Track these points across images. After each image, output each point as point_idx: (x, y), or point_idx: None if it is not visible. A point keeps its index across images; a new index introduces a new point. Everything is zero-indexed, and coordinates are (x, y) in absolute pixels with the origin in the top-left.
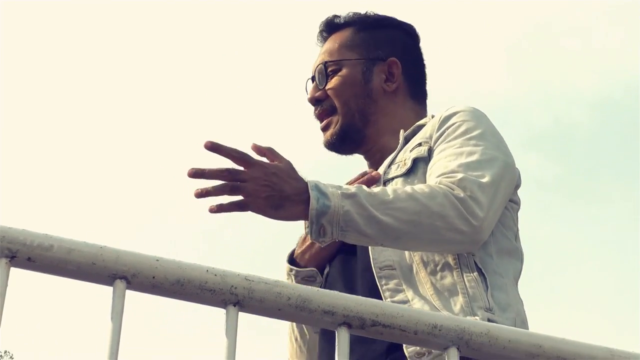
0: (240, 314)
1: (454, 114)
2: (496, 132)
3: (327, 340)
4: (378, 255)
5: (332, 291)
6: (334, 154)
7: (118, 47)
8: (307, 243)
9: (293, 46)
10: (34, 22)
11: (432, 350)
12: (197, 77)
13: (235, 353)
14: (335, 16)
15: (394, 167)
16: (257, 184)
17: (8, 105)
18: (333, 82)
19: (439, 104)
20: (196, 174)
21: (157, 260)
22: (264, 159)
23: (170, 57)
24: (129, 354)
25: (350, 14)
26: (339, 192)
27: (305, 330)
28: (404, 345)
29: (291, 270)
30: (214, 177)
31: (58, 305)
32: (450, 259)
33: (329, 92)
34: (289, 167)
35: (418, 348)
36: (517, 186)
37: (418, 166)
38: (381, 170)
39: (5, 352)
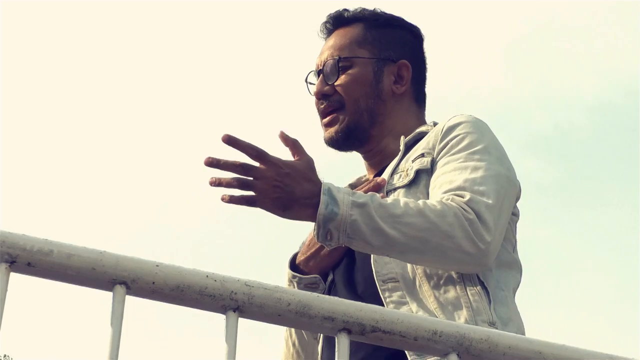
0: (240, 319)
1: (457, 125)
2: (498, 144)
3: (330, 347)
4: (381, 268)
5: (332, 297)
6: (331, 150)
7: (115, 51)
8: (312, 250)
9: (289, 44)
10: (34, 22)
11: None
12: (196, 78)
13: (235, 359)
14: (345, 10)
15: (396, 176)
16: (267, 183)
17: (7, 108)
18: (343, 79)
19: (438, 106)
20: (212, 163)
21: (157, 265)
22: (280, 156)
23: (169, 58)
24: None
25: (359, 9)
26: (350, 199)
27: (305, 335)
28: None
29: (294, 277)
30: (227, 169)
31: (58, 310)
32: (453, 273)
33: (338, 88)
34: (306, 167)
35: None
36: (518, 198)
37: (420, 178)
38: (385, 175)
39: (5, 356)
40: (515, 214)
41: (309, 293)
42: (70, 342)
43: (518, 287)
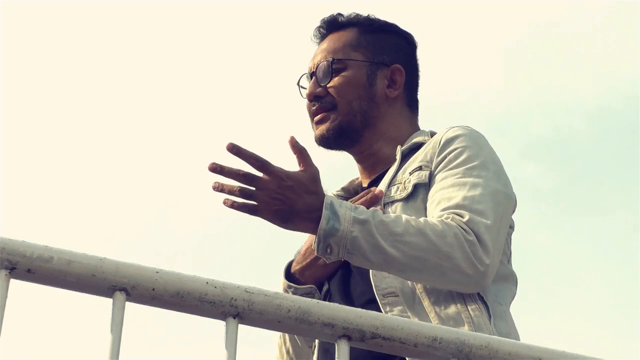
0: (240, 326)
1: (455, 138)
2: (496, 158)
3: (325, 356)
4: (380, 282)
5: (332, 303)
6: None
7: (114, 52)
8: (308, 260)
9: (293, 49)
10: (33, 22)
11: None
12: (196, 81)
13: None
14: (339, 14)
15: (393, 188)
16: (269, 195)
17: (5, 113)
18: (336, 81)
19: (438, 112)
20: (215, 169)
21: (157, 272)
22: (285, 163)
23: (169, 59)
24: None
25: (353, 14)
26: (352, 215)
27: (299, 343)
28: None
29: (289, 287)
30: (231, 177)
31: (58, 316)
32: None
33: (330, 90)
34: (310, 179)
35: None
36: (513, 210)
37: (418, 192)
38: (382, 187)
39: None
40: (511, 227)
41: (309, 299)
42: (70, 348)
43: (513, 299)
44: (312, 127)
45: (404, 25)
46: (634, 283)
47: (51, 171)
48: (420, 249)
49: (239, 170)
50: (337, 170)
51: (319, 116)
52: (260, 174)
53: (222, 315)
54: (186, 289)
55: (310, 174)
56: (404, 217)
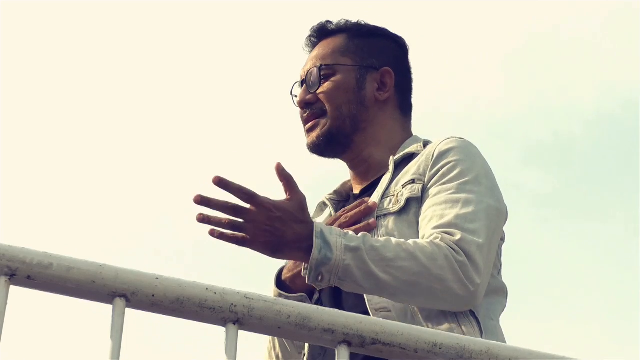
0: (240, 332)
1: (448, 151)
2: (489, 171)
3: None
4: (372, 297)
5: (332, 309)
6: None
7: (114, 53)
8: (299, 268)
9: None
10: (32, 22)
11: None
12: (195, 86)
13: None
14: (328, 22)
15: (386, 201)
16: (258, 228)
17: (5, 118)
18: (326, 87)
19: (438, 118)
20: (202, 202)
21: (157, 278)
22: (268, 197)
23: (169, 60)
24: None
25: (343, 21)
26: (343, 242)
27: (288, 348)
28: None
29: (280, 294)
30: (218, 209)
31: (57, 323)
32: None
33: (320, 96)
34: (297, 208)
35: None
36: (504, 223)
37: (411, 206)
38: (375, 198)
39: None
40: (501, 239)
41: (309, 305)
42: (70, 355)
43: (503, 310)
44: (304, 133)
45: (403, 31)
46: (634, 287)
47: (51, 177)
48: (412, 273)
49: (227, 202)
50: (337, 179)
51: (310, 123)
52: (247, 206)
53: (222, 322)
54: (186, 295)
55: (297, 202)
56: (394, 240)
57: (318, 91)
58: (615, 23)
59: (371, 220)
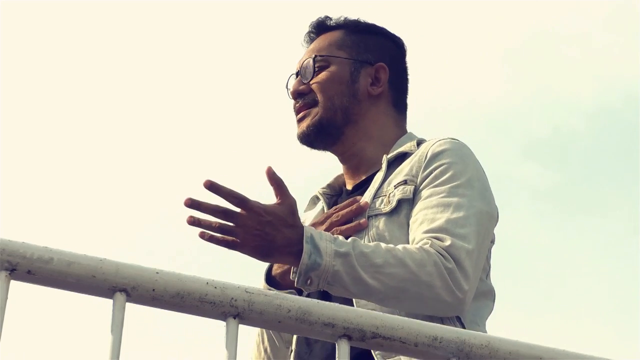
0: (241, 326)
1: (441, 152)
2: (482, 174)
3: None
4: (360, 299)
5: (332, 303)
6: (329, 156)
7: (114, 54)
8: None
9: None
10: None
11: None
12: (195, 85)
13: None
14: (327, 17)
15: (377, 201)
16: (248, 232)
17: (5, 116)
18: (319, 77)
19: (439, 115)
20: (192, 205)
21: (157, 272)
22: (259, 200)
23: (169, 60)
24: None
25: (342, 17)
26: (333, 248)
27: (277, 342)
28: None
29: (269, 290)
30: (208, 213)
31: (58, 317)
32: None
33: (313, 86)
34: (288, 212)
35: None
36: (495, 225)
37: (402, 207)
38: (367, 197)
39: None
40: (492, 241)
41: (309, 299)
42: (71, 349)
43: (490, 314)
44: (296, 126)
45: (404, 26)
46: (633, 283)
47: (51, 172)
48: (401, 280)
49: (217, 206)
50: (331, 175)
51: (301, 113)
52: (238, 210)
53: (222, 316)
54: (186, 290)
55: (287, 207)
56: (384, 246)
57: (312, 81)
58: (616, 18)
59: (362, 220)
